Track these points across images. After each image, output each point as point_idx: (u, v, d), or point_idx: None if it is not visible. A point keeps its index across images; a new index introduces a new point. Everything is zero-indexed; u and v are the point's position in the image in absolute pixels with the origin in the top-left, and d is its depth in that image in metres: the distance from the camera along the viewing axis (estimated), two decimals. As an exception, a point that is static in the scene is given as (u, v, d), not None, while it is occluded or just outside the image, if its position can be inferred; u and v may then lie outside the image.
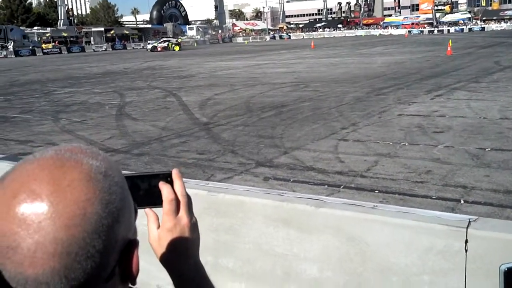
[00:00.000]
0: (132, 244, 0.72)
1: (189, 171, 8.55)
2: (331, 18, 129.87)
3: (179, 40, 73.11)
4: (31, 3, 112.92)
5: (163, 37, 78.15)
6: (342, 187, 7.46)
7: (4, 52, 68.67)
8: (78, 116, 14.88)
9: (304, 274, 3.86)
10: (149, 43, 72.30)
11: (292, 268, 3.81)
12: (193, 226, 0.95)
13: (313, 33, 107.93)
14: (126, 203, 0.70)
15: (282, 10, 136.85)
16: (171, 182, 0.93)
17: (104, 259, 0.65)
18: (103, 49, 79.85)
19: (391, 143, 9.88)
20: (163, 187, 0.92)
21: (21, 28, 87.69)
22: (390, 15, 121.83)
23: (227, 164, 8.94)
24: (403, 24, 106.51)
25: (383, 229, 3.67)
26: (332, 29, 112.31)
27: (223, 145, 10.36)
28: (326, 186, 7.52)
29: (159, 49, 66.09)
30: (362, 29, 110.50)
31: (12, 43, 74.13)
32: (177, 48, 67.30)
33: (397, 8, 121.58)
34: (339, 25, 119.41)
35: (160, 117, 14.12)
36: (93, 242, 0.63)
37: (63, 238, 0.61)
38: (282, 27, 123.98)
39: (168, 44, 67.52)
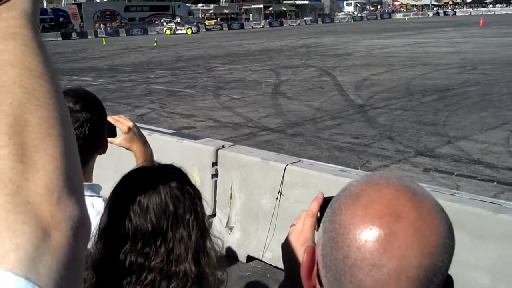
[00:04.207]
0: (451, 281, 0.71)
1: (342, 156, 8.39)
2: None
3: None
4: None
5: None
6: (514, 185, 6.71)
7: (171, 28, 74.13)
8: (237, 93, 15.47)
9: (474, 283, 3.53)
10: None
11: (459, 275, 3.48)
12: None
13: (482, 9, 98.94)
14: None
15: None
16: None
17: None
18: (261, 26, 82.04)
19: None
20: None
21: (187, 4, 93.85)
22: None
23: (383, 150, 8.57)
24: None
25: None
26: (505, 5, 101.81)
27: (380, 130, 9.97)
28: (495, 183, 6.83)
29: None
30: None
31: (179, 19, 79.66)
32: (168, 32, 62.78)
33: None
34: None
35: (314, 97, 14.07)
36: (443, 272, 0.65)
37: (426, 265, 0.63)
38: (447, 3, 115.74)
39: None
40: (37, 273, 0.57)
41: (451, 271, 0.68)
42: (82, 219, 0.65)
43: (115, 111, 12.98)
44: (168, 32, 65.29)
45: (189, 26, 67.01)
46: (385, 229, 0.64)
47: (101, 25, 71.65)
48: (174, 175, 1.33)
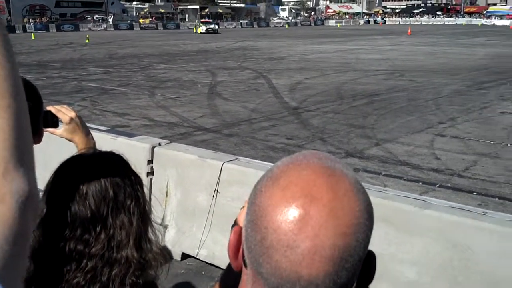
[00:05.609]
0: (373, 257, 0.72)
1: (277, 156, 8.52)
2: (430, 4, 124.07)
3: None
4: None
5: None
6: (437, 185, 7.10)
7: (104, 25, 72.08)
8: (172, 92, 15.33)
9: (401, 276, 3.68)
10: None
11: (387, 268, 3.65)
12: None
13: (410, 19, 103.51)
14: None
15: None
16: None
17: (358, 269, 0.67)
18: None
19: (492, 142, 9.29)
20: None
21: (121, 2, 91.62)
22: (495, 4, 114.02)
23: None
24: (508, 15, 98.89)
25: (492, 238, 3.41)
26: (431, 16, 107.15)
27: (312, 132, 10.22)
28: (420, 183, 7.19)
29: None
30: (463, 17, 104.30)
31: (112, 16, 77.58)
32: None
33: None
34: (438, 12, 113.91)
35: (250, 98, 14.20)
36: (359, 251, 0.66)
37: (340, 245, 0.64)
38: (378, 11, 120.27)
39: None
40: None
41: (379, 264, 0.70)
42: (30, 192, 0.64)
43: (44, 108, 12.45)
44: (199, 30, 63.06)
45: (199, 25, 65.49)
46: (300, 211, 0.64)
47: (30, 20, 68.58)
48: (114, 162, 1.32)
